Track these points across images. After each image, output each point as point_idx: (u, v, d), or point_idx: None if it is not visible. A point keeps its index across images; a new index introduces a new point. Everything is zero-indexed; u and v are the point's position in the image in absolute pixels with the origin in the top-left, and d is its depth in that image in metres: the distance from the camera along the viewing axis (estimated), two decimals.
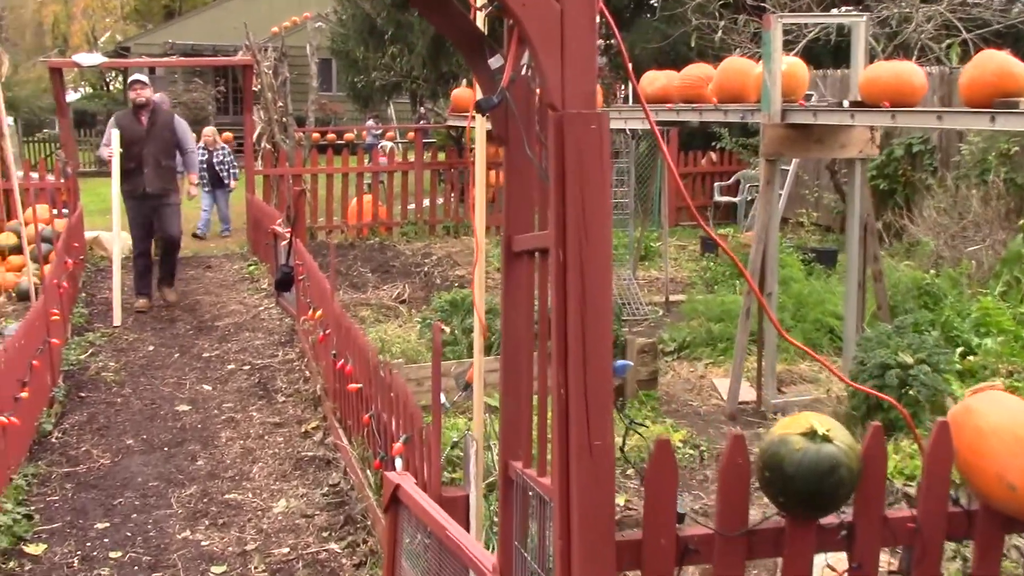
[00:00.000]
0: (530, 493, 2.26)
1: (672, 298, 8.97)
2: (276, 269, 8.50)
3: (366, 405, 4.75)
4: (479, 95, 2.29)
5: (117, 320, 8.34)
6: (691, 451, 5.26)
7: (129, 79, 8.75)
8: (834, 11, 9.00)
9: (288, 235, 7.97)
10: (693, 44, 14.53)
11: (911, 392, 5.07)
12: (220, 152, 13.36)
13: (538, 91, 2.18)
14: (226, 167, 13.37)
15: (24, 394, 5.08)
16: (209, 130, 13.75)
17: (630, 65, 2.31)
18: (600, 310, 1.91)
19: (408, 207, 13.33)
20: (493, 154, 16.17)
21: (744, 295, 6.50)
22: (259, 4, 30.56)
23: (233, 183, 13.53)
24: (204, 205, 13.66)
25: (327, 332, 5.82)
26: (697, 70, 7.26)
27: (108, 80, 48.51)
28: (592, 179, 1.90)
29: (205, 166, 12.79)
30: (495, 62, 2.27)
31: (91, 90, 47.19)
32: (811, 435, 2.13)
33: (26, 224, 11.19)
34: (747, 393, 6.23)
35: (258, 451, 5.47)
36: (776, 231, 6.41)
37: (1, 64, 11.35)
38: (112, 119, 8.98)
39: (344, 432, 5.32)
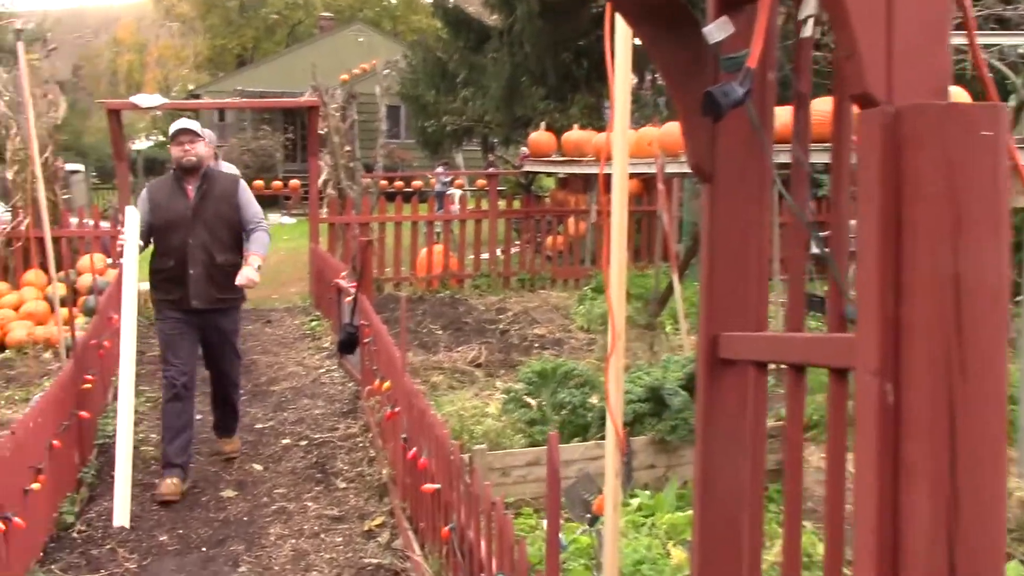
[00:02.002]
0: None
1: None
2: (339, 327, 7.67)
3: (444, 512, 3.80)
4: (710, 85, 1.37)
5: (119, 519, 4.84)
6: None
7: (173, 128, 5.56)
8: None
9: (353, 290, 7.12)
10: None
11: None
12: None
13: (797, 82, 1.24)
14: None
15: (37, 485, 4.24)
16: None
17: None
18: (989, 521, 0.94)
19: (481, 258, 12.47)
20: (562, 200, 15.34)
21: None
22: (330, 52, 30.42)
23: None
24: None
25: (396, 410, 4.91)
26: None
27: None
28: (977, 234, 0.95)
29: None
30: (717, 30, 1.33)
31: (163, 138, 47.67)
32: None
33: (80, 274, 10.61)
34: None
35: (312, 555, 4.54)
36: None
37: (57, 107, 10.85)
38: (144, 191, 5.74)
39: (416, 536, 4.38)
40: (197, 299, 5.43)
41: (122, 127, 10.58)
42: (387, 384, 5.33)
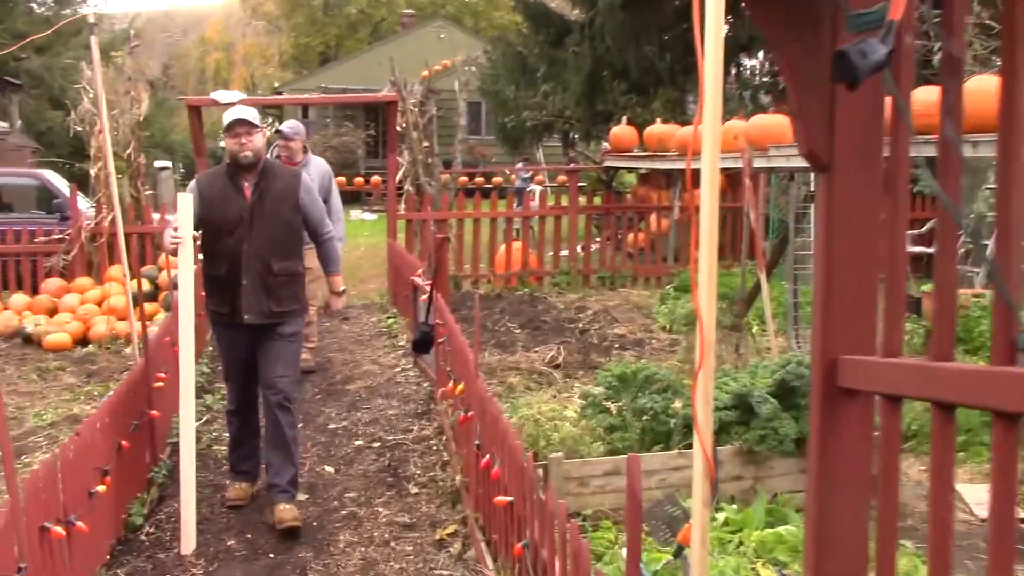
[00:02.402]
0: None
1: None
2: (415, 325, 7.52)
3: (518, 526, 3.58)
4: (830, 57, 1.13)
5: (185, 547, 4.54)
6: None
7: (227, 118, 4.81)
8: None
9: (428, 288, 6.95)
10: None
11: None
12: None
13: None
14: None
15: (102, 487, 4.14)
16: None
17: None
18: None
19: (560, 255, 12.24)
20: (644, 196, 15.00)
21: None
22: (412, 49, 30.44)
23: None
24: None
25: (469, 414, 4.71)
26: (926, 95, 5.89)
27: (266, 125, 49.80)
28: None
29: None
30: None
31: None
32: None
33: (161, 269, 10.67)
34: None
35: (382, 564, 4.37)
36: None
37: (140, 102, 10.94)
38: (194, 183, 5.04)
39: (488, 549, 4.17)
40: (250, 313, 4.77)
41: (202, 123, 10.61)
42: (460, 386, 5.14)
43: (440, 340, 6.26)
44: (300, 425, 6.42)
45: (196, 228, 4.83)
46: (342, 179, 28.54)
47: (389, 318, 9.96)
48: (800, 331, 7.33)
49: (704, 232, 2.17)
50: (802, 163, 6.73)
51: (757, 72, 18.30)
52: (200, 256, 5.22)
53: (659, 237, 12.70)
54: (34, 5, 26.89)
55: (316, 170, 7.32)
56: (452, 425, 5.48)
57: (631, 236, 13.12)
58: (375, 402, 7.01)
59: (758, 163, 7.09)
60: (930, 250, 12.21)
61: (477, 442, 4.41)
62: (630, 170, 15.54)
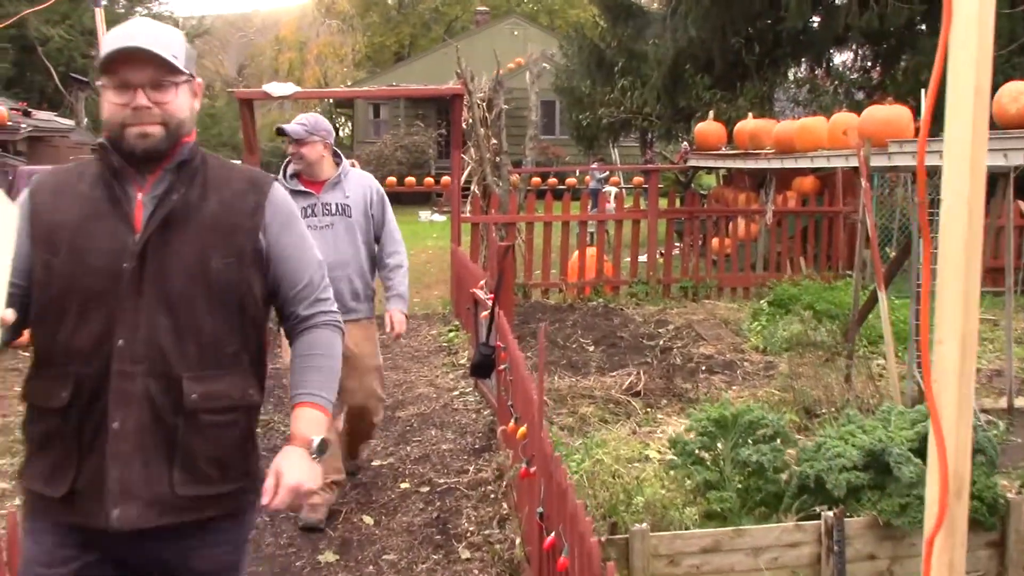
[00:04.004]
0: None
1: (1020, 403, 6.40)
2: (475, 345, 6.64)
3: None
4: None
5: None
6: None
7: (105, 47, 2.08)
8: None
9: (490, 303, 6.05)
10: None
11: None
12: None
13: None
14: None
15: None
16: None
17: None
18: None
19: (638, 262, 11.25)
20: (732, 199, 13.92)
21: None
22: (485, 47, 29.62)
23: None
24: None
25: (532, 471, 3.79)
26: None
27: (338, 126, 49.58)
28: None
29: None
30: None
31: None
32: None
33: None
34: None
35: None
36: None
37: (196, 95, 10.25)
38: (25, 192, 2.21)
39: None
40: (127, 503, 2.06)
41: (254, 118, 9.88)
42: (523, 430, 4.23)
43: (502, 367, 5.35)
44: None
45: (18, 297, 2.05)
46: (412, 179, 28.09)
47: (451, 331, 9.10)
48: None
49: (958, 255, 1.23)
50: (934, 161, 5.67)
51: (849, 67, 17.08)
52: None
53: (747, 243, 11.63)
54: (107, 2, 26.73)
55: (357, 187, 4.89)
56: (513, 476, 4.56)
57: (715, 241, 12.08)
58: (428, 433, 6.14)
59: (876, 161, 6.04)
60: None
61: (540, 510, 3.49)
62: (709, 171, 14.48)
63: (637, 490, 4.16)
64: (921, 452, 3.88)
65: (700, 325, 9.33)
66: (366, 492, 5.17)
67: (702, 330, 9.05)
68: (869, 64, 16.98)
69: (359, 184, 4.90)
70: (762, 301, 9.12)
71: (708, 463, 4.39)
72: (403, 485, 5.25)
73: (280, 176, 4.77)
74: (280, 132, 4.76)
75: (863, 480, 3.83)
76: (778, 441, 4.35)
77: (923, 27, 14.16)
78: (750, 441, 4.37)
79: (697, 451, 4.39)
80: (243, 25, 57.23)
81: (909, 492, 3.74)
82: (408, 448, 5.86)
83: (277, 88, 9.48)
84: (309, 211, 4.71)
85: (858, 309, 6.53)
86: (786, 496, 4.08)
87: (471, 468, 5.44)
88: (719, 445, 4.40)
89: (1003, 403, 6.44)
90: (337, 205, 4.79)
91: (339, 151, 4.92)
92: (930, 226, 6.67)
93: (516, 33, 32.47)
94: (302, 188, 4.77)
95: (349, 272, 4.75)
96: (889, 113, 6.52)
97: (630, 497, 4.15)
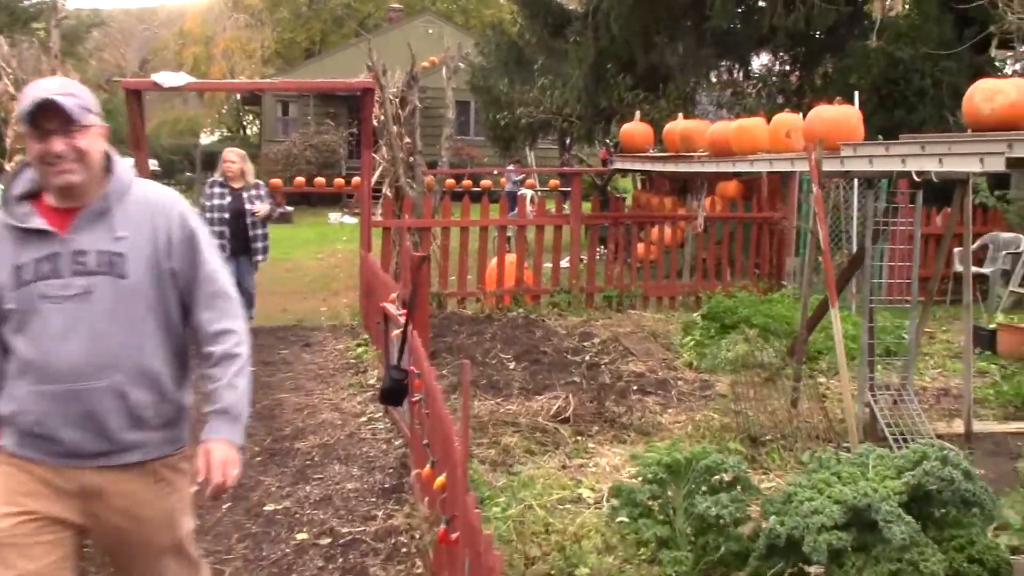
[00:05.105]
0: None
1: (981, 428, 5.94)
2: (386, 365, 5.92)
3: None
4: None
5: None
6: None
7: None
8: None
9: (404, 318, 5.33)
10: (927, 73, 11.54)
11: None
12: (252, 193, 8.54)
13: None
14: (259, 228, 8.52)
15: None
16: (235, 153, 8.69)
17: None
18: None
19: (560, 268, 10.63)
20: (656, 204, 13.43)
21: None
22: (398, 45, 28.78)
23: (262, 256, 8.68)
24: None
25: (454, 537, 3.10)
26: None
27: (245, 124, 48.07)
28: None
29: (227, 215, 8.34)
30: None
31: (227, 132, 46.66)
32: None
33: None
34: None
35: None
36: None
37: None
38: None
39: None
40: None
41: (143, 110, 8.96)
42: (441, 480, 3.54)
43: (416, 399, 4.64)
44: (227, 505, 4.83)
45: None
46: (322, 180, 27.09)
47: (359, 346, 8.34)
48: (877, 382, 5.75)
49: None
50: (894, 166, 5.14)
51: (770, 70, 16.81)
52: None
53: (672, 249, 11.12)
54: None
55: (140, 217, 2.56)
56: (429, 536, 3.85)
57: (640, 247, 11.55)
58: (331, 469, 5.38)
59: (828, 166, 5.51)
60: (985, 270, 10.67)
61: None
62: (625, 174, 13.96)
63: (576, 554, 3.50)
64: (909, 506, 3.31)
65: (627, 338, 8.74)
66: (256, 545, 4.40)
67: (630, 344, 8.47)
68: (788, 68, 16.74)
69: (146, 210, 2.58)
70: (695, 315, 8.58)
71: (658, 514, 3.77)
72: (300, 536, 4.49)
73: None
74: (31, 114, 2.40)
75: (845, 541, 3.23)
76: (738, 488, 3.75)
77: (845, 31, 13.89)
78: (705, 488, 3.76)
79: (646, 501, 3.76)
80: (147, 18, 55.15)
81: (901, 556, 3.16)
82: (308, 488, 5.09)
83: (168, 78, 8.59)
84: (42, 270, 2.47)
85: (805, 326, 5.99)
86: (752, 557, 3.47)
87: (379, 513, 4.71)
88: (670, 492, 3.78)
89: (958, 427, 5.98)
90: (99, 256, 2.50)
91: (111, 150, 2.61)
92: (880, 236, 6.20)
93: (431, 31, 31.64)
94: (39, 224, 2.49)
95: (119, 380, 2.49)
96: (837, 114, 6.01)
97: (569, 562, 3.49)
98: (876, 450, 3.66)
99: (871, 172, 5.33)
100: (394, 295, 6.14)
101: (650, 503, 3.75)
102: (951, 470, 3.26)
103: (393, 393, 5.32)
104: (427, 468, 3.94)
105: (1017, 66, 12.09)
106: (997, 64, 13.02)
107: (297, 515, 4.74)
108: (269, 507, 4.84)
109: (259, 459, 5.55)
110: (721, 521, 3.54)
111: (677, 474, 3.73)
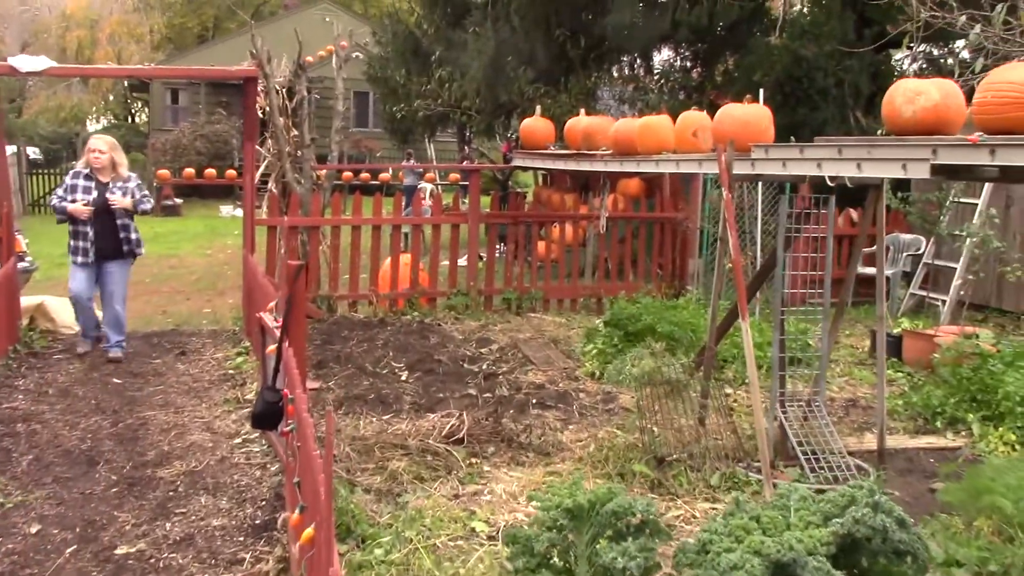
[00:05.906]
0: None
1: (893, 443, 5.69)
2: (261, 385, 5.36)
3: None
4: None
5: None
6: None
7: None
8: None
9: (279, 331, 4.78)
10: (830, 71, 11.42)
11: None
12: (123, 188, 7.55)
13: None
14: (129, 228, 7.57)
15: None
16: (104, 141, 7.69)
17: None
18: None
19: (458, 268, 10.16)
20: (557, 201, 13.08)
21: None
22: (292, 33, 27.86)
23: (140, 249, 7.76)
24: (79, 288, 7.52)
25: None
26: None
27: (134, 111, 46.21)
28: None
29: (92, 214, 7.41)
30: None
31: (113, 120, 44.76)
32: None
33: None
34: None
35: None
36: None
37: None
38: None
39: None
40: None
41: None
42: (309, 532, 3.05)
43: (288, 427, 4.12)
44: (72, 544, 4.24)
45: None
46: (212, 171, 25.99)
47: (239, 354, 7.73)
48: (787, 394, 5.45)
49: None
50: (809, 170, 4.81)
51: (671, 66, 16.61)
52: None
53: (574, 248, 10.77)
54: None
55: None
56: None
57: (541, 246, 11.17)
58: (196, 502, 4.80)
59: (739, 168, 5.17)
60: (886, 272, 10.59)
61: None
62: (526, 168, 13.56)
63: None
64: (840, 559, 2.95)
65: (527, 345, 8.33)
66: None
67: (530, 351, 8.05)
68: (689, 64, 16.57)
69: None
70: (598, 321, 8.21)
71: (558, 563, 3.34)
72: None
73: None
74: None
75: None
76: (647, 533, 3.34)
77: (747, 27, 13.73)
78: (610, 532, 3.35)
79: (544, 550, 3.33)
80: None
81: None
82: (168, 525, 4.51)
83: (26, 62, 7.81)
84: None
85: (713, 339, 5.65)
86: None
87: (247, 556, 4.16)
88: (572, 537, 3.36)
89: (870, 441, 5.73)
90: None
91: None
92: (790, 242, 5.90)
93: (328, 19, 30.68)
94: None
95: None
96: (748, 113, 5.68)
97: None
98: (798, 489, 3.30)
99: (784, 176, 5.01)
100: (272, 304, 5.57)
101: (549, 552, 3.32)
102: (883, 518, 2.91)
103: (266, 417, 4.80)
104: (296, 515, 3.45)
105: (915, 65, 12.07)
106: (894, 64, 13.01)
107: (152, 560, 4.16)
108: (121, 550, 4.25)
109: (115, 490, 4.94)
110: (628, 574, 3.13)
111: (580, 519, 3.31)
